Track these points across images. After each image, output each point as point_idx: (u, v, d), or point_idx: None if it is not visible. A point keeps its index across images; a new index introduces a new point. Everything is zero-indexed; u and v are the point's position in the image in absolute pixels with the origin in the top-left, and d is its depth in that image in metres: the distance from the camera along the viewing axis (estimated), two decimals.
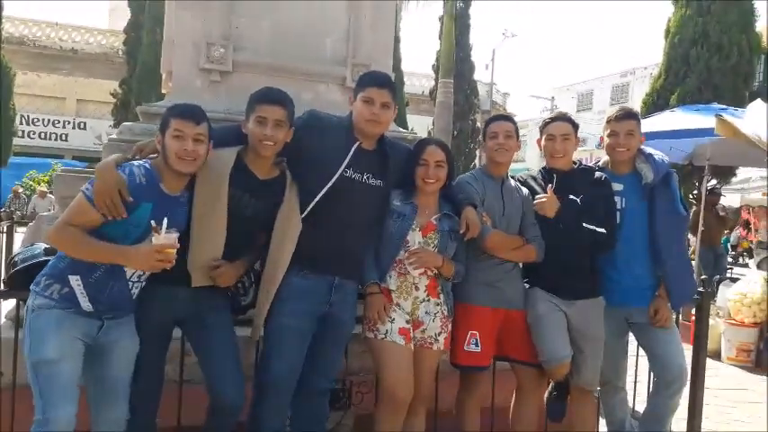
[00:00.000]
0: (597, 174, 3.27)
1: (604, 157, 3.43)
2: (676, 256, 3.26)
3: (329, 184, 2.69)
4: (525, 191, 3.22)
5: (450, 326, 3.01)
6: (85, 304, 2.39)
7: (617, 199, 3.25)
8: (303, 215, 2.70)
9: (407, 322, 2.89)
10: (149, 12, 15.88)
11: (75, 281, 2.37)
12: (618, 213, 3.22)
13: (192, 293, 2.58)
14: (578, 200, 3.11)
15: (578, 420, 3.29)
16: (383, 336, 2.85)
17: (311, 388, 2.83)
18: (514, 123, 3.22)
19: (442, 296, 2.96)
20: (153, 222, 2.32)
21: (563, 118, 3.28)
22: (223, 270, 2.59)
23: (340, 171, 2.70)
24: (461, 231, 2.87)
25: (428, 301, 2.92)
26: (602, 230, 3.07)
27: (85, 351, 2.42)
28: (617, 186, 3.27)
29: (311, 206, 2.70)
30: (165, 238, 2.30)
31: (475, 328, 3.03)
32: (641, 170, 3.24)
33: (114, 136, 3.93)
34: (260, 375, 2.77)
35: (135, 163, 2.42)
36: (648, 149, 3.33)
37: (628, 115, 3.28)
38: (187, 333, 2.76)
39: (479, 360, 3.06)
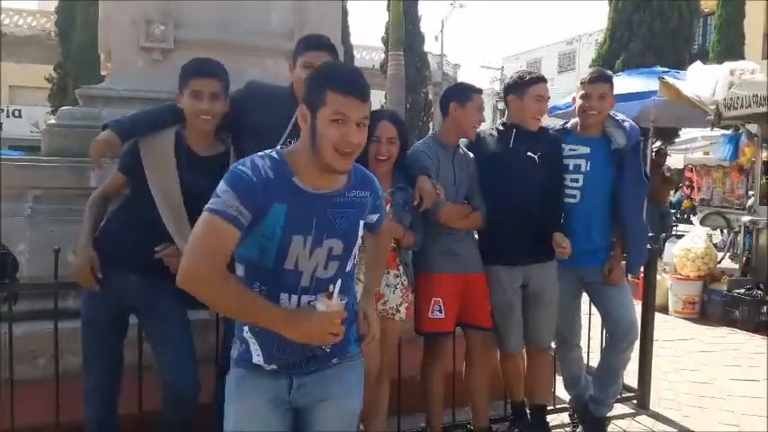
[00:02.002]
0: (551, 133, 3.34)
1: (573, 119, 3.42)
2: (637, 223, 3.32)
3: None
4: (471, 155, 3.24)
5: (410, 296, 3.03)
6: (259, 360, 1.86)
7: (581, 162, 3.27)
8: None
9: None
10: None
11: (247, 333, 1.87)
12: (582, 176, 3.25)
13: (144, 280, 2.51)
14: (536, 157, 3.15)
15: (533, 379, 3.37)
16: None
17: None
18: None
19: (401, 268, 2.97)
20: (331, 286, 1.80)
21: (601, 77, 3.28)
22: (169, 251, 2.51)
23: (281, 142, 2.59)
24: (415, 203, 2.87)
25: (387, 273, 2.92)
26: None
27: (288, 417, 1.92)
28: (583, 149, 3.28)
29: None
30: (338, 304, 1.78)
31: (438, 295, 3.07)
32: (611, 135, 3.25)
33: (53, 121, 3.80)
34: (225, 353, 2.70)
35: (257, 155, 1.82)
36: (620, 115, 3.35)
37: (601, 77, 3.27)
38: (140, 321, 2.67)
39: (444, 326, 3.10)
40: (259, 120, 2.64)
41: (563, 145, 3.31)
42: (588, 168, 3.25)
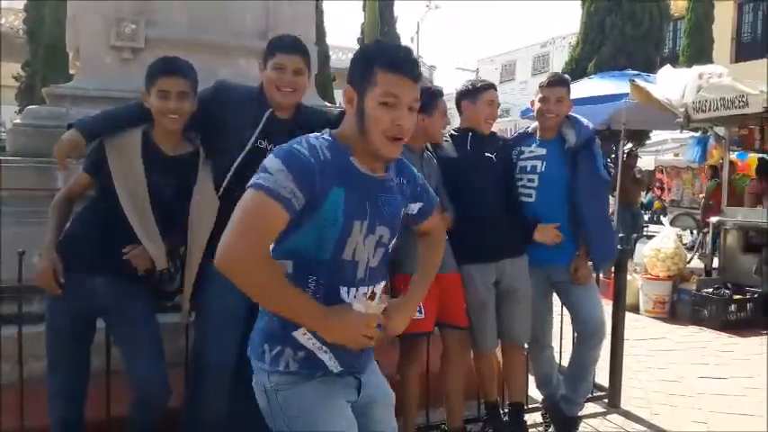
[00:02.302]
0: (500, 139, 3.50)
1: (534, 124, 3.51)
2: (598, 220, 3.38)
3: (240, 157, 2.55)
4: (434, 158, 3.27)
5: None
6: (332, 363, 1.74)
7: (537, 162, 3.35)
8: (219, 192, 2.58)
9: None
10: None
11: (304, 336, 1.71)
12: (537, 176, 3.34)
13: (111, 282, 2.45)
14: (493, 156, 3.26)
15: (509, 376, 3.40)
16: None
17: (245, 369, 2.77)
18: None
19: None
20: (372, 288, 1.74)
21: (558, 81, 3.39)
22: (137, 252, 2.46)
23: (251, 142, 2.56)
24: None
25: None
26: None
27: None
28: (540, 151, 3.37)
29: (225, 182, 2.57)
30: (378, 306, 1.69)
31: None
32: (565, 135, 3.35)
33: (19, 120, 3.71)
34: (196, 360, 2.67)
35: (311, 135, 1.73)
36: (576, 115, 3.44)
37: (558, 82, 3.39)
38: (108, 325, 2.61)
39: (424, 326, 3.08)
40: (228, 119, 2.60)
41: (524, 147, 3.43)
42: (543, 169, 3.35)
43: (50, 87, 3.91)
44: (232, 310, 2.59)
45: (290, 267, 1.68)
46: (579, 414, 3.60)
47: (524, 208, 3.35)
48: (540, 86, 3.43)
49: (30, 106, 3.89)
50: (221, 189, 2.57)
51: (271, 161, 1.58)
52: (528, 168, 3.38)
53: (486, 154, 3.25)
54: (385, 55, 1.63)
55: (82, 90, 3.75)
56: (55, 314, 2.47)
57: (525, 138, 3.50)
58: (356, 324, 1.62)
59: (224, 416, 2.63)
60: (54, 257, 2.41)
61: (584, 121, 3.42)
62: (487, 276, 3.22)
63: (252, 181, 1.58)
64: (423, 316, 3.05)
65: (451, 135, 3.36)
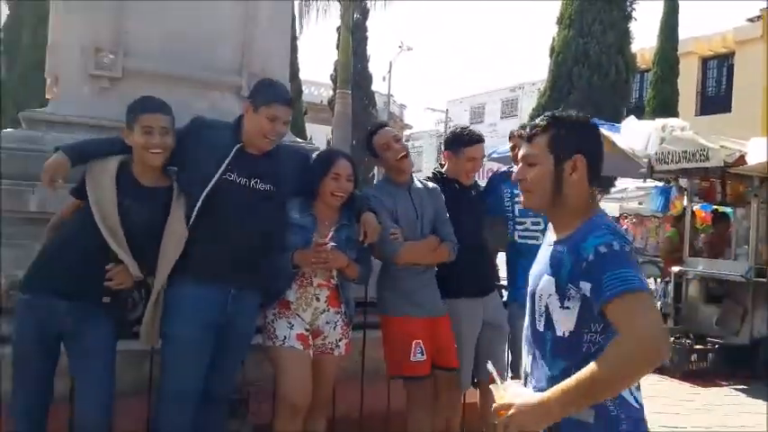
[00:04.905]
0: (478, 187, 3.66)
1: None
2: None
3: (208, 188, 2.66)
4: (432, 185, 3.36)
5: (350, 332, 3.05)
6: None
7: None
8: (190, 223, 2.67)
9: (306, 330, 2.90)
10: (29, 11, 14.96)
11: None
12: (543, 220, 3.32)
13: (73, 308, 2.51)
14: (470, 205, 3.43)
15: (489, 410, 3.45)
16: (281, 342, 2.85)
17: (209, 398, 2.78)
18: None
19: (342, 306, 2.99)
20: None
21: (481, 140, 3.49)
22: (118, 269, 2.55)
23: (218, 174, 2.68)
24: (360, 238, 2.92)
25: (328, 311, 2.94)
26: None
27: None
28: None
29: (195, 212, 2.67)
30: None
31: (418, 338, 3.09)
32: None
33: None
34: (161, 388, 2.71)
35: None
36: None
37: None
38: (66, 348, 2.65)
39: (425, 368, 3.12)
40: (202, 154, 2.72)
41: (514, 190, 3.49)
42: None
43: (27, 112, 3.94)
44: (199, 339, 2.68)
45: None
46: None
47: (529, 250, 3.33)
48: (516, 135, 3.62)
49: (5, 130, 3.89)
50: (191, 219, 2.68)
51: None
52: (531, 212, 3.31)
53: (473, 193, 3.45)
54: None
55: (58, 116, 3.78)
56: (20, 335, 2.54)
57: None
58: None
59: None
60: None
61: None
62: (477, 311, 3.33)
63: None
64: (425, 358, 3.08)
65: (437, 177, 3.47)
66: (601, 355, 1.61)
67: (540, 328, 1.78)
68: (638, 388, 1.75)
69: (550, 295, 1.75)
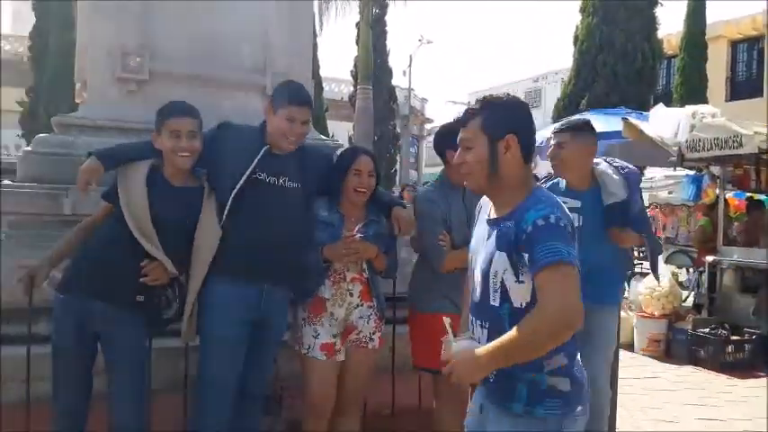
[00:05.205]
0: None
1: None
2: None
3: (237, 186, 2.72)
4: None
5: (383, 326, 3.07)
6: None
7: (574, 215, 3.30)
8: (222, 222, 2.74)
9: (334, 336, 2.93)
10: (56, 15, 15.23)
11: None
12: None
13: (106, 308, 2.57)
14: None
15: None
16: (306, 350, 2.91)
17: (244, 394, 2.83)
18: None
19: (374, 300, 3.02)
20: None
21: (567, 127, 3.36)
22: (153, 265, 2.60)
23: (248, 173, 2.74)
24: (396, 233, 2.98)
25: (361, 305, 2.97)
26: None
27: None
28: (573, 203, 3.19)
29: (226, 211, 2.74)
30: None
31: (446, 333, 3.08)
32: (606, 185, 3.32)
33: (29, 148, 3.84)
34: (198, 385, 2.77)
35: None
36: (612, 161, 3.47)
37: (566, 128, 3.35)
38: (102, 349, 2.72)
39: None
40: (230, 156, 2.78)
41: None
42: (580, 223, 3.15)
43: (58, 117, 4.02)
44: (235, 336, 2.75)
45: None
46: None
47: None
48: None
49: (39, 135, 3.99)
50: (223, 217, 2.75)
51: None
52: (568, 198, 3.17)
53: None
54: None
55: (88, 120, 3.86)
56: (59, 335, 2.63)
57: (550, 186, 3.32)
58: None
59: None
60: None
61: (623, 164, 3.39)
62: None
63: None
64: None
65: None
66: (523, 319, 1.75)
67: (496, 303, 1.87)
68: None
69: (506, 271, 1.84)
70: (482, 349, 1.79)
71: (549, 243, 1.73)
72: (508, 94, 2.02)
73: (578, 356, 1.93)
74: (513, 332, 1.73)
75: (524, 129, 1.93)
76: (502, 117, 1.92)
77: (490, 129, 1.90)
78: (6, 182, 3.57)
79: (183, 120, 2.67)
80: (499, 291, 1.86)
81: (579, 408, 1.87)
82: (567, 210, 1.87)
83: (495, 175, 1.90)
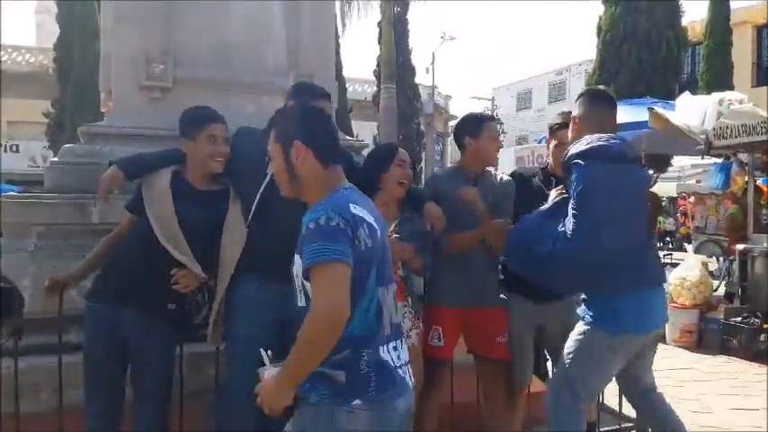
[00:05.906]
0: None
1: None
2: None
3: (262, 188, 2.72)
4: (507, 178, 3.28)
5: (420, 324, 3.08)
6: None
7: None
8: (248, 223, 2.75)
9: None
10: (80, 27, 15.47)
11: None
12: None
13: (135, 317, 2.60)
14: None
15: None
16: None
17: None
18: None
19: (408, 299, 3.02)
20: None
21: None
22: (183, 272, 2.61)
23: (270, 174, 2.67)
24: (429, 229, 2.98)
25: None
26: None
27: None
28: None
29: (252, 213, 2.75)
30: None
31: (438, 325, 3.12)
32: None
33: (56, 159, 3.89)
34: (227, 387, 2.77)
35: None
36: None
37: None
38: (129, 358, 2.74)
39: (442, 353, 3.13)
40: (252, 157, 2.76)
41: None
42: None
43: (84, 126, 4.07)
44: (261, 338, 2.67)
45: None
46: None
47: None
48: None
49: (66, 145, 4.04)
50: (248, 220, 2.76)
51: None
52: None
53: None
54: None
55: (114, 128, 3.90)
56: (91, 343, 2.66)
57: None
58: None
59: None
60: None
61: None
62: (527, 307, 3.23)
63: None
64: (441, 344, 3.09)
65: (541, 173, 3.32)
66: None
67: (303, 303, 1.90)
68: (396, 348, 1.93)
69: (304, 271, 1.84)
70: (281, 372, 1.82)
71: (316, 243, 1.75)
72: (301, 103, 2.13)
73: (385, 349, 1.90)
74: (295, 344, 1.76)
75: (309, 132, 1.97)
76: (287, 126, 2.01)
77: (280, 138, 2.00)
78: (35, 193, 3.63)
79: (219, 126, 2.74)
80: (302, 292, 1.90)
81: (357, 401, 1.82)
82: (362, 211, 1.87)
83: (296, 180, 1.98)
